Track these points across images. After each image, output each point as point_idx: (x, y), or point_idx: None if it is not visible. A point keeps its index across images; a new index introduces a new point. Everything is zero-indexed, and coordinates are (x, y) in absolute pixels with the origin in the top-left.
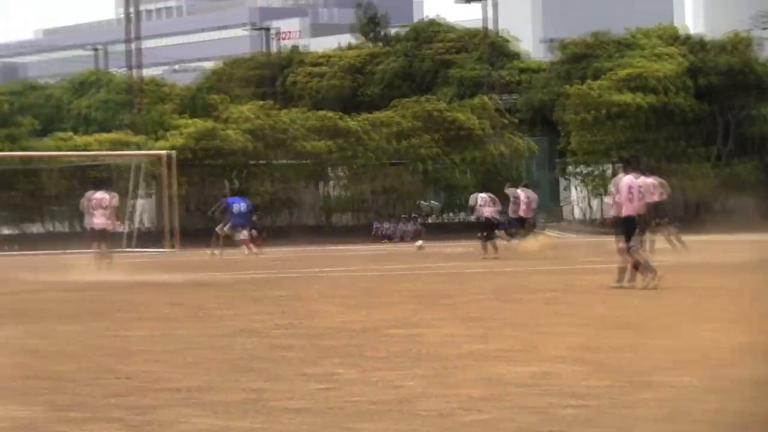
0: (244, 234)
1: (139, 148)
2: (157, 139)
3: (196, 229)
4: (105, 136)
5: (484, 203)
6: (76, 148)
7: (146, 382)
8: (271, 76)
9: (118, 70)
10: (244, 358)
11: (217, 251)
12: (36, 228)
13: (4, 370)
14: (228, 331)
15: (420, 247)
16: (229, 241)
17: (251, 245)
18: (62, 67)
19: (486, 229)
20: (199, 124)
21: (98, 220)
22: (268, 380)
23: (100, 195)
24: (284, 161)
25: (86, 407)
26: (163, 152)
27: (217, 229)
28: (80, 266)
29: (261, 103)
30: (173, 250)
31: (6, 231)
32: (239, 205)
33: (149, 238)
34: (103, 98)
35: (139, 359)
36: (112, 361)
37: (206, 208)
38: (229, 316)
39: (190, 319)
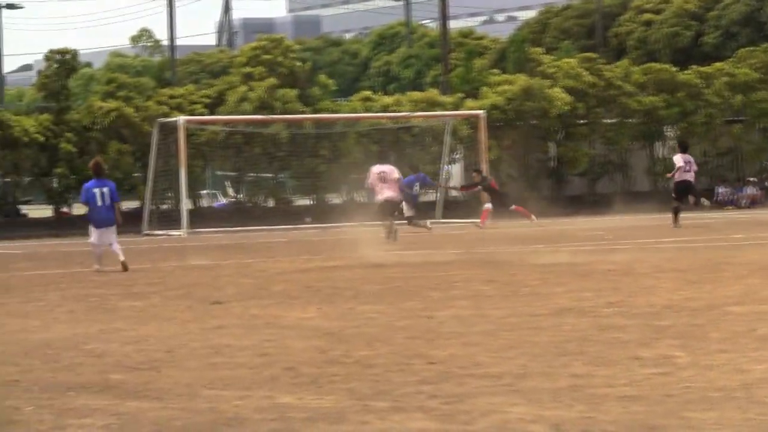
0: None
1: (453, 108)
2: (470, 97)
3: (510, 197)
4: (414, 95)
5: (677, 165)
6: (384, 108)
7: (458, 368)
8: (596, 26)
9: (426, 22)
10: (570, 341)
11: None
12: (334, 198)
13: (299, 355)
14: (551, 310)
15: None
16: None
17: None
18: (364, 20)
19: (676, 194)
20: (520, 81)
21: (385, 193)
22: (596, 364)
23: (381, 168)
24: (611, 120)
25: (391, 396)
26: (479, 112)
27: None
28: (381, 241)
29: (586, 56)
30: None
31: (301, 201)
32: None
33: (457, 207)
34: (410, 53)
35: (450, 342)
36: (419, 345)
37: (520, 173)
38: (552, 293)
39: (507, 297)
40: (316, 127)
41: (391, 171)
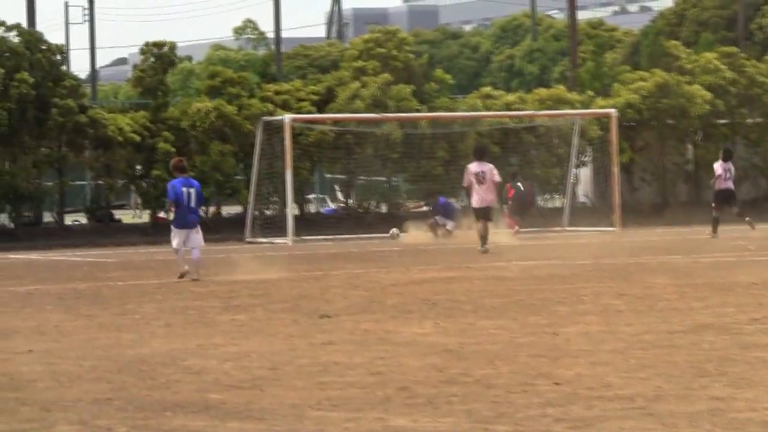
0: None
1: (582, 106)
2: (600, 95)
3: (643, 204)
4: (539, 92)
5: (716, 173)
6: (506, 106)
7: (587, 389)
8: (738, 18)
9: (552, 12)
10: (709, 360)
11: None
12: (453, 203)
13: (414, 374)
14: (689, 326)
15: (394, 236)
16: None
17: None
18: (485, 10)
19: (716, 203)
20: (656, 77)
21: (480, 196)
22: (737, 386)
23: (480, 167)
24: (754, 120)
25: (513, 419)
26: (611, 111)
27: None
28: (497, 250)
29: (725, 50)
30: (615, 229)
31: (417, 207)
32: None
33: (584, 214)
34: (535, 47)
35: (577, 361)
36: (544, 364)
37: (655, 177)
38: (690, 308)
39: (641, 313)
40: (433, 127)
41: (491, 172)
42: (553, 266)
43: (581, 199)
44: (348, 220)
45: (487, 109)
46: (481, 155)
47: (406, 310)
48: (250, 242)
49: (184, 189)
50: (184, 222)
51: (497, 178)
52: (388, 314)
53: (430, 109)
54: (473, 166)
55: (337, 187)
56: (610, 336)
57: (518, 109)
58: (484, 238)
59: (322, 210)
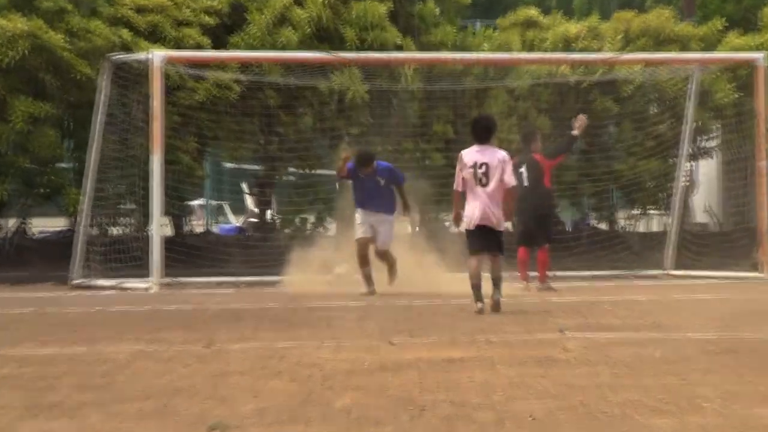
0: None
1: (702, 47)
2: (736, 27)
3: None
4: (628, 18)
5: None
6: (562, 44)
7: None
8: None
9: None
10: None
11: None
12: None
13: None
14: None
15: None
16: None
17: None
18: None
19: None
20: None
21: (478, 208)
22: None
23: (482, 156)
24: None
25: None
26: (756, 56)
27: None
28: (537, 308)
29: None
30: (761, 274)
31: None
32: None
33: (704, 245)
34: None
35: None
36: None
37: None
38: None
39: None
40: (427, 79)
41: (502, 165)
42: (645, 342)
43: (699, 218)
44: (265, 246)
45: (529, 48)
46: (484, 135)
47: (369, 420)
48: (80, 286)
49: None
50: None
51: (510, 179)
52: (335, 426)
53: (423, 47)
54: (469, 154)
55: (244, 187)
56: None
57: (585, 50)
58: (477, 286)
59: (216, 228)
